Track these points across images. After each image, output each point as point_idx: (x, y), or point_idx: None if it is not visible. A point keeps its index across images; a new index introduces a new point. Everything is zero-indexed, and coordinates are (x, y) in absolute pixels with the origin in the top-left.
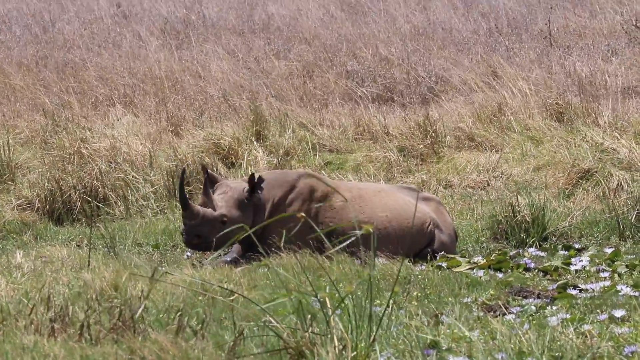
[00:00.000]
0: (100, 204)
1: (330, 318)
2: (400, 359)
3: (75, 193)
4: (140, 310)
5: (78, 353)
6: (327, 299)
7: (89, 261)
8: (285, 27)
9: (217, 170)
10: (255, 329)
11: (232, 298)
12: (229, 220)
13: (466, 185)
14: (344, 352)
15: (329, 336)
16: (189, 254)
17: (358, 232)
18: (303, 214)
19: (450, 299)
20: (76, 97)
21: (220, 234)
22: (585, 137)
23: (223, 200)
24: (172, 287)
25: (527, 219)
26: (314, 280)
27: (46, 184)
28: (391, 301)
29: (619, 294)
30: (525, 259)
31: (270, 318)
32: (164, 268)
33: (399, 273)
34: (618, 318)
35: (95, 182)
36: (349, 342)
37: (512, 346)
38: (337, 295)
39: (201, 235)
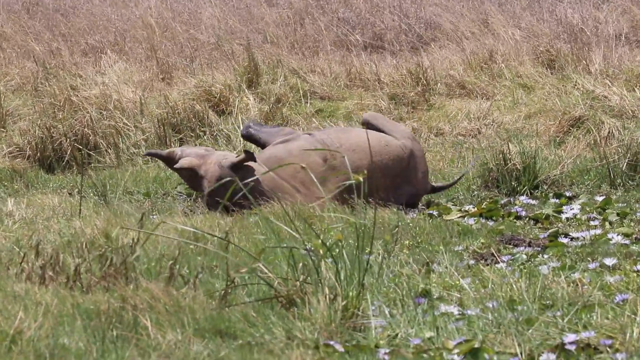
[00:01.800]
0: (91, 152)
1: (320, 267)
2: (392, 308)
3: (66, 141)
4: (132, 258)
5: (69, 301)
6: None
7: (80, 209)
8: None
9: (207, 117)
10: (246, 277)
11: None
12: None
13: (457, 133)
14: (335, 301)
15: (320, 285)
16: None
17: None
18: (304, 165)
19: (441, 247)
20: (67, 44)
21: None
22: (576, 85)
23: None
24: (164, 234)
25: (518, 167)
26: (305, 228)
27: (37, 132)
28: (381, 250)
29: (610, 242)
30: (516, 207)
31: (261, 266)
32: (154, 216)
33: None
34: (609, 266)
35: (86, 129)
36: (339, 292)
37: (503, 294)
38: (326, 244)
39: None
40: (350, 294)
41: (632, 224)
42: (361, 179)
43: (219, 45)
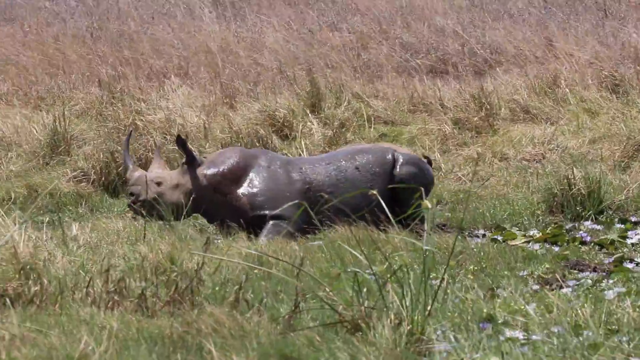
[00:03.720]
0: None
1: (385, 292)
2: (456, 332)
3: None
4: (197, 283)
5: (134, 325)
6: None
7: (144, 234)
8: None
9: (271, 142)
10: (311, 302)
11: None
12: (164, 183)
13: (521, 158)
14: (400, 326)
15: (385, 310)
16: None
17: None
18: (375, 192)
19: (506, 272)
20: (130, 68)
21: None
22: None
23: (160, 167)
24: (228, 260)
25: (583, 192)
26: (369, 253)
27: (101, 156)
28: (446, 275)
29: None
30: (581, 232)
31: (326, 291)
32: (219, 241)
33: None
34: None
35: (150, 154)
36: (404, 316)
37: (569, 320)
38: (392, 268)
39: (133, 194)
40: (415, 318)
41: None
42: (429, 205)
43: (282, 70)
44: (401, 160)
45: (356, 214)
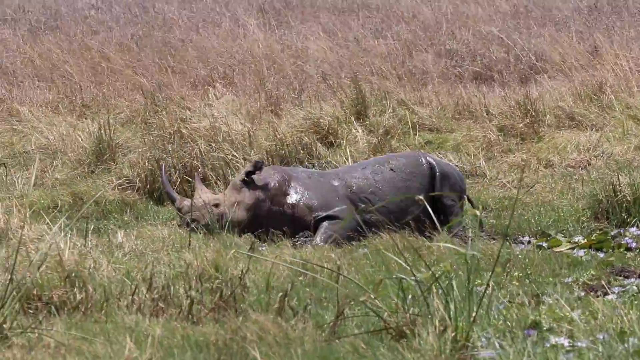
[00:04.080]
0: None
1: (430, 299)
2: (501, 339)
3: (176, 173)
4: (241, 290)
5: (179, 333)
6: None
7: (189, 241)
8: (383, 6)
9: (316, 149)
10: (356, 309)
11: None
12: (222, 203)
13: (567, 164)
14: (445, 332)
15: (429, 317)
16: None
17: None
18: (421, 197)
19: (551, 279)
20: (175, 77)
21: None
22: None
23: (205, 192)
24: (273, 267)
25: (629, 198)
26: (414, 260)
27: (146, 164)
28: (491, 281)
29: None
30: (626, 238)
31: (371, 298)
32: (263, 248)
33: (499, 253)
34: None
35: (195, 161)
36: (449, 323)
37: (614, 326)
38: (435, 275)
39: (194, 220)
40: (460, 325)
41: None
42: (478, 213)
43: (327, 78)
44: (437, 161)
45: (401, 218)
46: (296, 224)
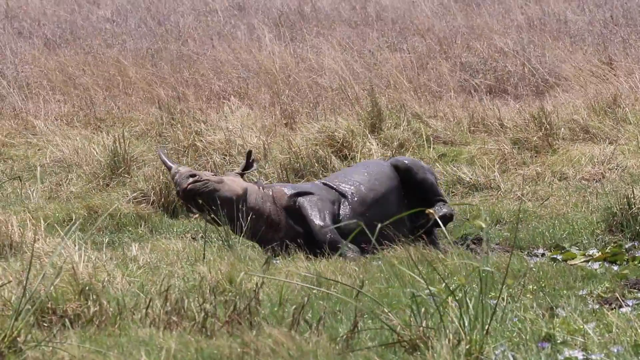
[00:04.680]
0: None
1: (444, 311)
2: (515, 352)
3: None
4: (255, 303)
5: (193, 346)
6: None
7: (204, 254)
8: (399, 18)
9: (330, 162)
10: (369, 322)
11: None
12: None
13: (581, 177)
14: (459, 345)
15: (443, 329)
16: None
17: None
18: (432, 211)
19: (565, 291)
20: (190, 89)
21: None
22: None
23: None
24: (287, 280)
25: None
26: (428, 273)
27: (161, 177)
28: (505, 294)
29: None
30: None
31: (384, 312)
32: (277, 261)
33: (509, 264)
34: None
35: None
36: (463, 336)
37: (628, 339)
38: (450, 288)
39: (194, 174)
40: (474, 338)
41: None
42: (483, 225)
43: (342, 91)
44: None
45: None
46: (277, 206)
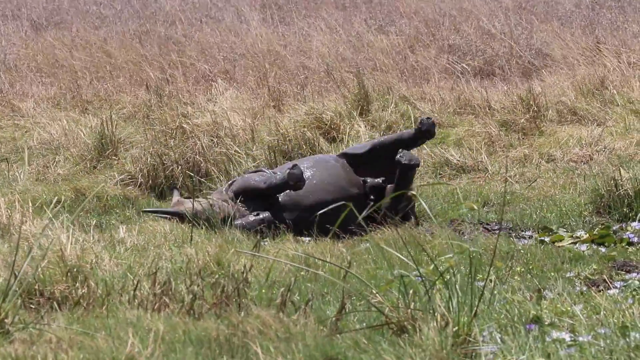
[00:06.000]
0: (202, 179)
1: (432, 293)
2: (503, 334)
3: (178, 168)
4: (244, 285)
5: (181, 328)
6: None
7: (191, 236)
8: (387, 1)
9: (318, 144)
10: (357, 304)
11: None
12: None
13: (569, 159)
14: (446, 327)
15: (431, 312)
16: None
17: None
18: (414, 193)
19: (552, 273)
20: (178, 72)
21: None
22: None
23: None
24: (275, 262)
25: (630, 193)
26: (416, 255)
27: (149, 159)
28: (493, 276)
29: None
30: (628, 233)
31: (372, 293)
32: (266, 243)
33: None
34: None
35: (197, 157)
36: (450, 318)
37: (616, 321)
38: (439, 270)
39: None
40: (462, 320)
41: None
42: (475, 207)
43: (329, 73)
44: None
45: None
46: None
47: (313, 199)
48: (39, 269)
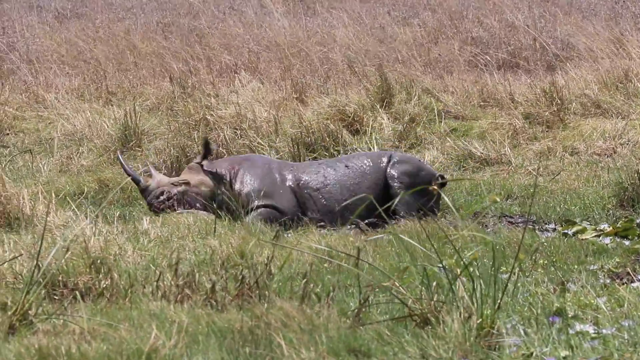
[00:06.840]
0: None
1: (455, 286)
2: (526, 326)
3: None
4: (266, 277)
5: (204, 319)
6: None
7: (215, 228)
8: None
9: (341, 137)
10: (380, 296)
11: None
12: (191, 181)
13: (592, 152)
14: (470, 320)
15: (454, 304)
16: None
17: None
18: (435, 187)
19: (576, 266)
20: (201, 64)
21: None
22: None
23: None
24: (298, 253)
25: None
26: (439, 247)
27: (172, 151)
28: (517, 269)
29: None
30: None
31: (395, 285)
32: (289, 235)
33: (522, 239)
34: None
35: (221, 148)
36: (474, 310)
37: (639, 314)
38: (462, 262)
39: (163, 192)
40: (485, 312)
41: None
42: (498, 200)
43: (352, 66)
44: (395, 159)
45: (346, 215)
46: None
47: None
48: (63, 261)
